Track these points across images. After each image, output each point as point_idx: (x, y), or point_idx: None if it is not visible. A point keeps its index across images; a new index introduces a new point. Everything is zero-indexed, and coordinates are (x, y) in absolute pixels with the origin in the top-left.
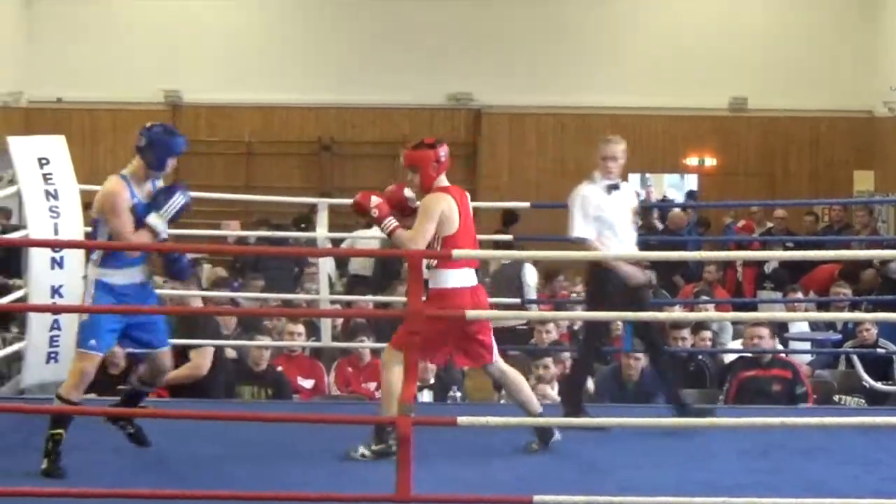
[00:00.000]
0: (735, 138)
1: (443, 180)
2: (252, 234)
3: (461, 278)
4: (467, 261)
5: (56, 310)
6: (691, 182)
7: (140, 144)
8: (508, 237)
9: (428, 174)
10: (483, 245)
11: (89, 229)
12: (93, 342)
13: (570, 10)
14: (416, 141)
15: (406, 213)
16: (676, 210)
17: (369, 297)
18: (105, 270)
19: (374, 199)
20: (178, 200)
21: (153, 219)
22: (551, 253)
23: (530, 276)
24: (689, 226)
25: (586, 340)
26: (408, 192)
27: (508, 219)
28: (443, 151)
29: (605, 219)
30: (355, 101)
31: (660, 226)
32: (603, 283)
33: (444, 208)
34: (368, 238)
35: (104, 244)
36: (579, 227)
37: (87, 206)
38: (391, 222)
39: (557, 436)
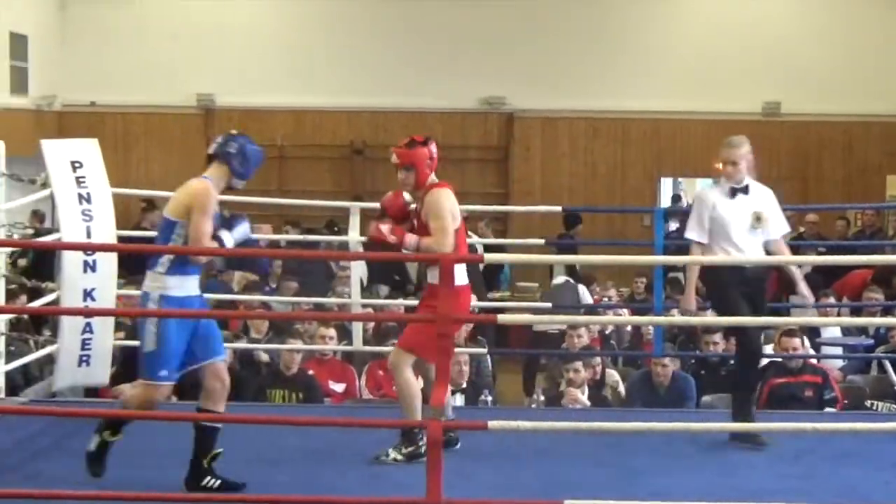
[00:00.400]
0: (768, 143)
1: (434, 177)
2: (284, 237)
3: (462, 276)
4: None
5: (88, 313)
6: None
7: (229, 150)
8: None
9: (423, 171)
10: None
11: (122, 233)
12: (164, 373)
13: (602, 14)
14: (406, 140)
15: (406, 216)
16: None
17: (400, 301)
18: (171, 280)
19: (385, 228)
20: (245, 229)
21: (226, 235)
22: (585, 257)
23: (585, 292)
24: None
25: (742, 347)
26: (406, 196)
27: (571, 221)
28: (433, 148)
29: (722, 222)
30: (387, 104)
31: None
32: (719, 282)
33: (453, 203)
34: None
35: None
36: (689, 229)
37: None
38: (412, 240)
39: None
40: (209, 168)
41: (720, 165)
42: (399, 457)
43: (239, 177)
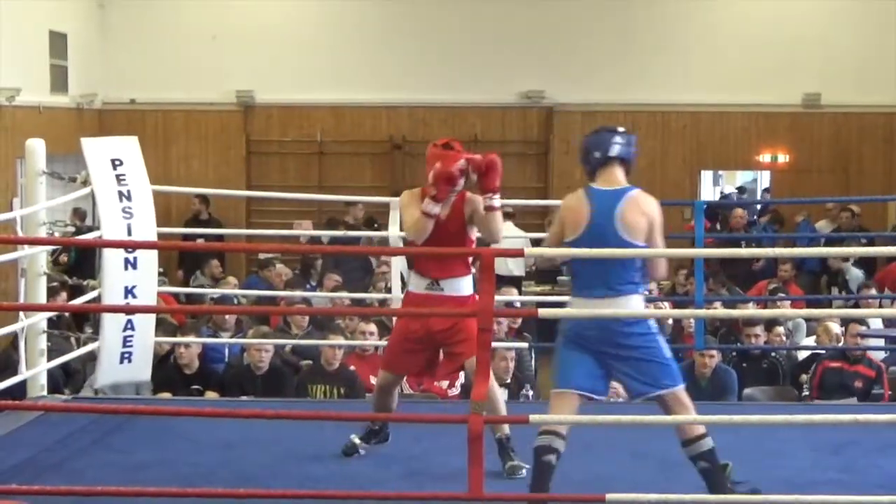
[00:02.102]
0: (808, 134)
1: None
2: (324, 233)
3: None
4: None
5: (130, 310)
6: (764, 179)
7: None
8: None
9: None
10: None
11: (164, 230)
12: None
13: (641, 7)
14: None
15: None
16: (738, 209)
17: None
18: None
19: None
20: None
21: None
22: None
23: None
24: (755, 224)
25: None
26: None
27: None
28: None
29: None
30: (427, 99)
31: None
32: None
33: None
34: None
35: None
36: None
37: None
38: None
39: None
40: (619, 174)
41: None
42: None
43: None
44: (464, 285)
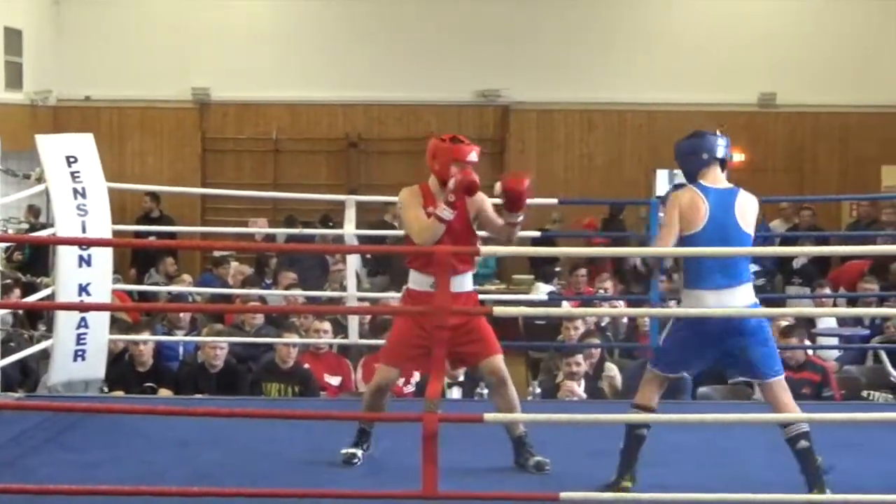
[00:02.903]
0: (763, 134)
1: None
2: (279, 231)
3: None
4: None
5: (84, 308)
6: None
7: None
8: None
9: None
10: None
11: (118, 227)
12: None
13: (598, 6)
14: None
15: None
16: None
17: (394, 294)
18: None
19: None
20: None
21: None
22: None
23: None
24: None
25: None
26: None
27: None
28: None
29: None
30: (383, 97)
31: None
32: None
33: None
34: None
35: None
36: None
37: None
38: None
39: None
40: (722, 174)
41: None
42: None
43: None
44: (468, 281)
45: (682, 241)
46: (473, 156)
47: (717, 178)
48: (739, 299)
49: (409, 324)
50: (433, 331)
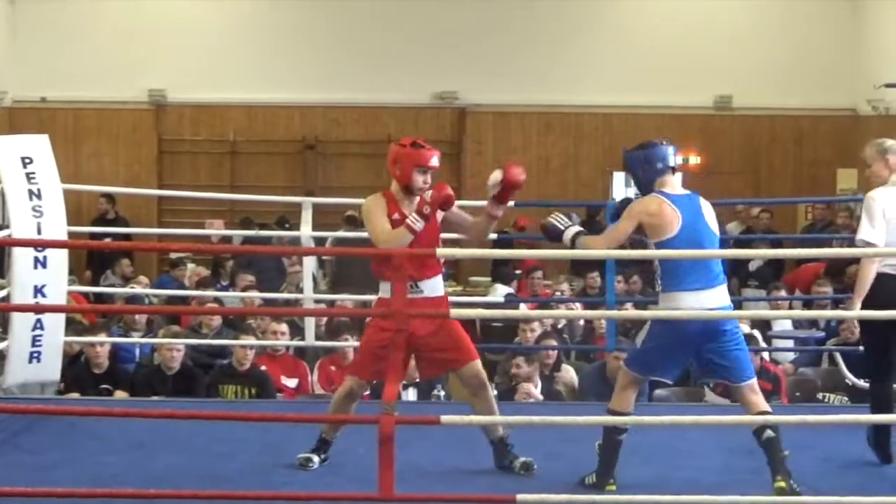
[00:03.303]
0: (719, 137)
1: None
2: (235, 233)
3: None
4: None
5: (39, 309)
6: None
7: None
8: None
9: None
10: None
11: (74, 229)
12: None
13: (555, 9)
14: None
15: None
16: None
17: (350, 297)
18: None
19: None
20: None
21: None
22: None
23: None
24: None
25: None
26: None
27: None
28: None
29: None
30: (340, 99)
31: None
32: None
33: None
34: None
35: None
36: (865, 232)
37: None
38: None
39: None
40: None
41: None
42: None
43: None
44: (439, 285)
45: (657, 247)
46: (435, 161)
47: (675, 186)
48: (717, 300)
49: (378, 332)
50: (395, 335)
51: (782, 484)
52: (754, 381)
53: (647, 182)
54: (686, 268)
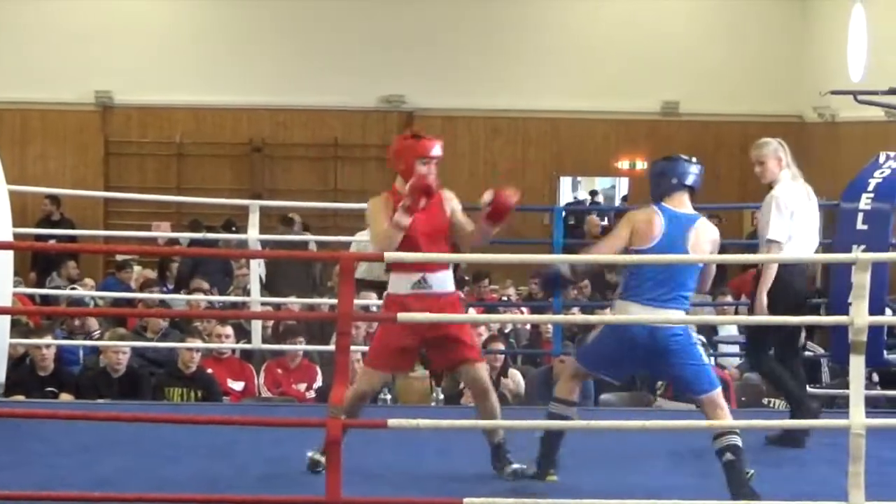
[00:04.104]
0: (666, 142)
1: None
2: (182, 235)
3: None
4: None
5: None
6: (623, 185)
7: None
8: None
9: None
10: None
11: (19, 230)
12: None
13: (501, 12)
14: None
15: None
16: (593, 216)
17: (296, 300)
18: None
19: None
20: None
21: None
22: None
23: None
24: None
25: (783, 349)
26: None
27: None
28: None
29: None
30: (287, 102)
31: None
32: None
33: None
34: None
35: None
36: (774, 231)
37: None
38: None
39: None
40: (688, 200)
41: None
42: None
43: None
44: (449, 279)
45: (631, 254)
46: (437, 149)
47: (682, 203)
48: (665, 319)
49: (393, 336)
50: (339, 338)
51: (555, 478)
52: (714, 393)
53: (656, 193)
54: (649, 281)
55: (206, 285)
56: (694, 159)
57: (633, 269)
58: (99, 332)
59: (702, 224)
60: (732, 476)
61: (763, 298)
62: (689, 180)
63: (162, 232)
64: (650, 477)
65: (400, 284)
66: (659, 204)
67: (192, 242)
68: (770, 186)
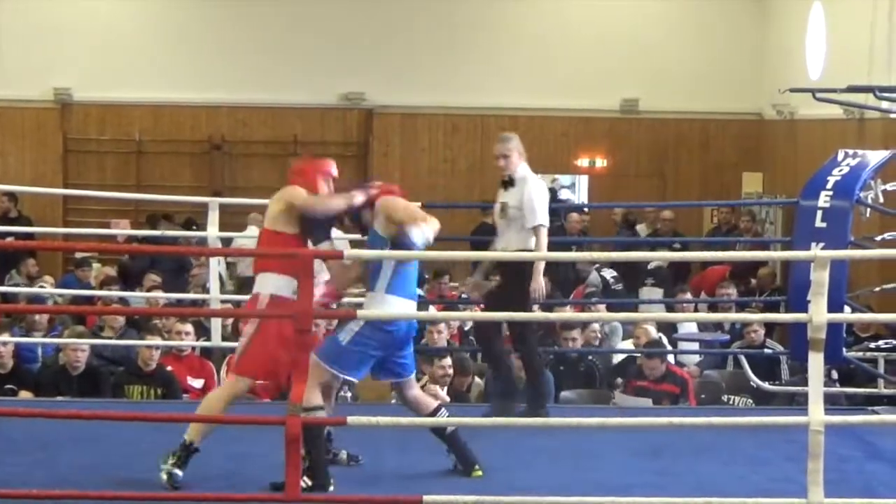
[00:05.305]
0: (626, 140)
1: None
2: (142, 233)
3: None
4: None
5: None
6: (582, 183)
7: None
8: None
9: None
10: None
11: None
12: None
13: (462, 11)
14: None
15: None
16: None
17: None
18: None
19: None
20: None
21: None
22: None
23: None
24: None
25: (523, 338)
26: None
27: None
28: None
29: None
30: (247, 100)
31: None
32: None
33: None
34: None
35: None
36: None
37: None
38: None
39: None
40: None
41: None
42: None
43: None
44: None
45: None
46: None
47: None
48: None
49: (276, 334)
50: (300, 336)
51: (480, 473)
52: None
53: None
54: (414, 276)
55: (158, 279)
56: None
57: (399, 266)
58: (44, 331)
59: None
60: (456, 447)
61: (540, 280)
62: None
63: (121, 229)
64: (608, 474)
65: (282, 286)
66: None
67: (150, 239)
68: (511, 178)
